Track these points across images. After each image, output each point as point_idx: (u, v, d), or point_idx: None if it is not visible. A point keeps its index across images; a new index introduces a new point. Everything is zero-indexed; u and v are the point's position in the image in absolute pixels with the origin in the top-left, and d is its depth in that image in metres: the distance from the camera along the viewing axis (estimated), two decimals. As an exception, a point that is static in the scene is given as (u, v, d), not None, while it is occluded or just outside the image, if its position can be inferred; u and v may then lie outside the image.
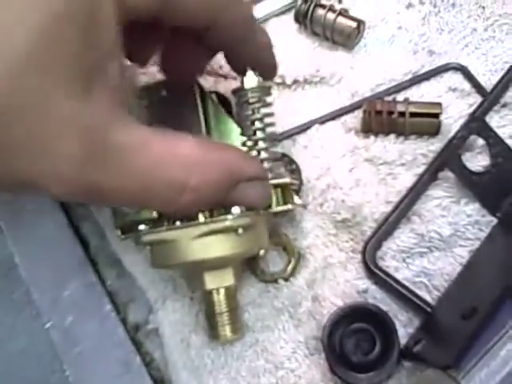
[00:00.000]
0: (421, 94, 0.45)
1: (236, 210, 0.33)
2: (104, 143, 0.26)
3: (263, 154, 0.37)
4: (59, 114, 0.24)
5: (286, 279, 0.40)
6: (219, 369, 0.39)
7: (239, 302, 0.39)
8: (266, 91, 0.38)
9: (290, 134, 0.45)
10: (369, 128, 0.43)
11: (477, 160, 0.41)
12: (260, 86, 0.37)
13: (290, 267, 0.40)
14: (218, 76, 0.48)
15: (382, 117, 0.43)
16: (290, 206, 0.37)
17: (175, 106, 0.39)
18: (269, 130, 0.38)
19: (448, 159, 0.40)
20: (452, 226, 0.40)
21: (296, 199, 0.39)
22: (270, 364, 0.38)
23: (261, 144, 0.37)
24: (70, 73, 0.24)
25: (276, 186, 0.37)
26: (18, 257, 0.43)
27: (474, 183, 0.40)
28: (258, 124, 0.37)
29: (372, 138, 0.43)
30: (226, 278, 0.36)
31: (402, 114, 0.42)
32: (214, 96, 0.40)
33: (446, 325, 0.36)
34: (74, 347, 0.40)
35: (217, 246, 0.34)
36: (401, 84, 0.45)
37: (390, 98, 0.44)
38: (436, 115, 0.42)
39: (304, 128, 0.45)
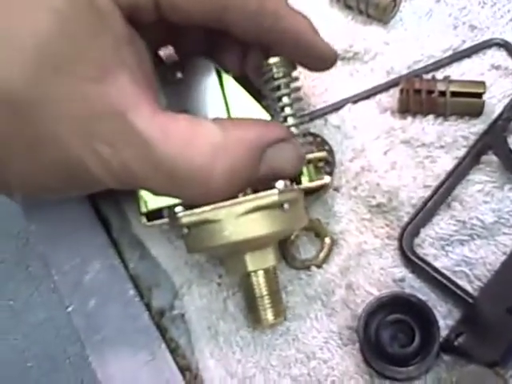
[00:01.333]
0: (462, 71, 0.43)
1: (280, 184, 0.31)
2: (129, 127, 0.26)
3: (293, 130, 0.35)
4: (85, 96, 0.25)
5: (319, 266, 0.39)
6: (248, 357, 0.37)
7: (279, 285, 0.37)
8: (292, 65, 0.36)
9: (322, 114, 0.43)
10: (406, 108, 0.41)
11: (523, 143, 0.39)
12: (284, 60, 0.35)
13: (322, 254, 0.39)
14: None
15: (421, 96, 0.40)
16: (320, 182, 0.35)
17: (192, 88, 0.37)
18: (297, 105, 0.36)
19: (492, 142, 0.38)
20: (495, 213, 0.38)
21: (327, 177, 0.37)
22: (302, 354, 0.37)
23: (290, 120, 0.35)
24: (87, 56, 0.25)
25: (308, 161, 0.35)
26: (38, 237, 0.41)
27: (520, 168, 0.38)
28: (285, 100, 0.35)
29: (409, 118, 0.42)
30: (268, 258, 0.35)
31: (442, 93, 0.40)
32: (231, 74, 0.38)
33: (489, 318, 0.34)
34: (97, 333, 0.38)
35: (263, 223, 0.32)
36: (440, 61, 0.43)
37: (428, 76, 0.41)
38: (479, 95, 0.40)
39: (336, 107, 0.43)
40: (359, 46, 0.44)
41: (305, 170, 0.35)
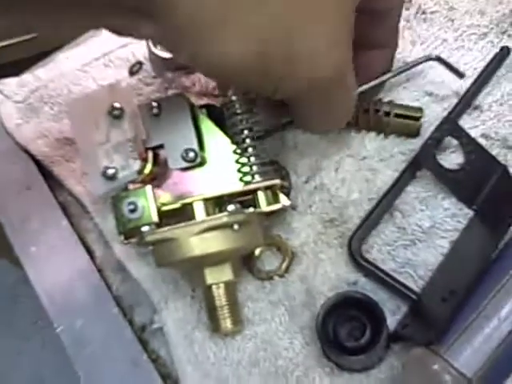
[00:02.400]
0: (401, 97, 0.48)
1: (231, 207, 0.36)
2: None
3: (253, 159, 0.40)
4: None
5: (281, 276, 0.43)
6: (221, 361, 0.41)
7: (238, 297, 0.42)
8: (252, 101, 0.41)
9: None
10: (355, 123, 0.47)
11: (451, 158, 0.45)
12: (244, 98, 0.40)
13: (284, 265, 0.44)
14: (213, 96, 0.51)
15: (369, 115, 0.46)
16: (279, 205, 0.40)
17: (168, 123, 0.42)
18: (257, 138, 0.41)
19: (424, 159, 0.44)
20: (431, 219, 0.44)
21: (285, 199, 0.42)
22: (270, 354, 0.41)
23: (250, 150, 0.40)
24: None
25: (266, 187, 0.40)
26: (27, 269, 0.45)
27: (450, 179, 0.44)
28: (246, 132, 0.40)
29: (352, 133, 0.47)
30: (225, 273, 0.39)
31: (387, 113, 0.46)
32: (203, 111, 0.44)
33: (429, 308, 0.39)
34: (85, 349, 0.42)
35: (215, 242, 0.37)
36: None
37: (376, 98, 0.47)
38: (417, 118, 0.46)
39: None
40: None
41: (263, 195, 0.40)
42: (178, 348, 0.42)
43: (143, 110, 0.42)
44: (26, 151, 0.52)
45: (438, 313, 0.38)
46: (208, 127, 0.42)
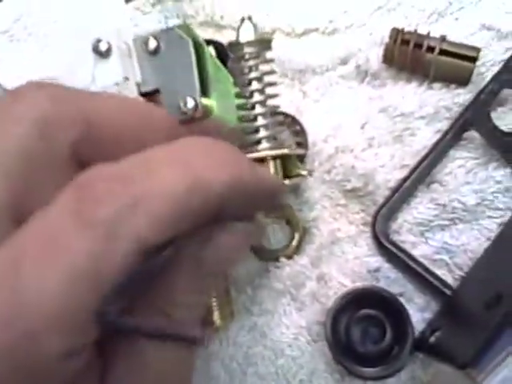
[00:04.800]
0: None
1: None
2: None
3: (261, 121, 0.33)
4: None
5: (289, 257, 0.37)
6: (212, 355, 0.36)
7: (232, 284, 0.35)
8: (266, 45, 0.34)
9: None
10: (391, 58, 0.38)
11: (509, 117, 0.35)
12: (258, 40, 0.33)
13: (293, 243, 0.37)
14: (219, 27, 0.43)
15: (408, 48, 0.37)
16: (294, 180, 0.33)
17: (167, 63, 0.35)
18: (269, 90, 0.34)
19: (475, 116, 0.35)
20: (478, 195, 0.36)
21: (301, 170, 0.34)
22: (269, 351, 0.36)
23: (258, 109, 0.33)
24: None
25: (275, 157, 0.33)
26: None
27: (506, 145, 0.35)
28: (255, 84, 0.33)
29: (388, 86, 0.38)
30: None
31: (431, 49, 0.37)
32: (211, 49, 0.36)
33: (466, 313, 0.32)
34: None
35: None
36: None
37: (424, 32, 0.38)
38: (471, 59, 0.37)
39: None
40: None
41: (272, 165, 0.33)
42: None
43: (138, 45, 0.35)
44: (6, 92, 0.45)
45: (477, 322, 0.30)
46: (216, 69, 0.34)
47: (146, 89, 0.35)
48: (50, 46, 0.45)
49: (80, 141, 0.21)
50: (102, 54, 0.35)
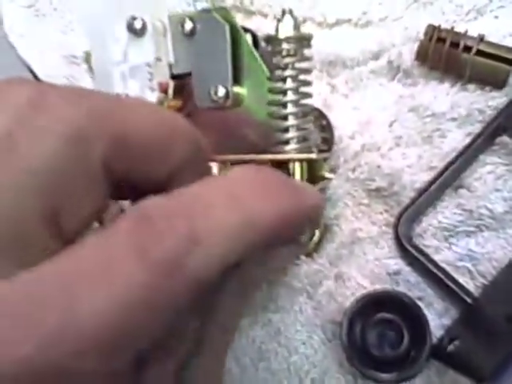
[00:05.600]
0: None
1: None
2: None
3: (291, 120, 0.32)
4: None
5: (308, 255, 0.36)
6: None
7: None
8: (305, 42, 0.32)
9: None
10: (424, 56, 0.37)
11: (546, 124, 0.34)
12: (298, 36, 0.31)
13: (313, 241, 0.36)
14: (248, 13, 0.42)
15: (444, 46, 0.36)
16: (319, 185, 0.32)
17: (201, 46, 0.34)
18: (303, 89, 0.32)
19: (508, 122, 0.34)
20: (507, 202, 0.35)
21: (327, 172, 0.33)
22: (283, 348, 0.35)
23: (290, 108, 0.32)
24: None
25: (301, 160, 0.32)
26: None
27: (540, 152, 0.33)
28: (289, 83, 0.32)
29: (420, 86, 0.37)
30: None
31: (467, 48, 0.36)
32: (249, 37, 0.35)
33: (487, 324, 0.31)
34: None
35: None
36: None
37: (461, 30, 0.37)
38: (508, 61, 0.35)
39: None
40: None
41: (298, 168, 0.32)
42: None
43: (174, 25, 0.34)
44: (30, 69, 0.44)
45: (498, 335, 0.30)
46: (251, 59, 0.33)
47: (178, 71, 0.34)
48: (75, 22, 0.45)
49: (111, 155, 0.21)
50: (136, 33, 0.34)
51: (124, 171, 0.22)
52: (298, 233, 0.26)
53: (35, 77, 0.44)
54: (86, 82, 0.43)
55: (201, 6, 0.43)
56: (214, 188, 0.21)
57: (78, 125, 0.20)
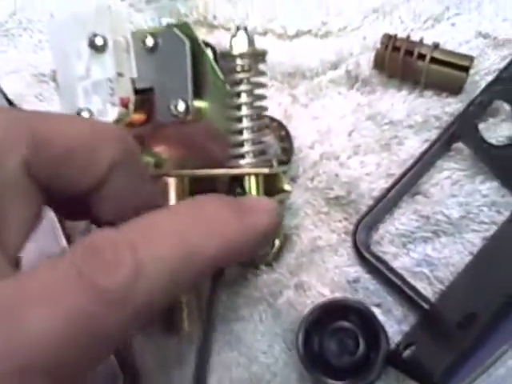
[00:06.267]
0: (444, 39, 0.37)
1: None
2: None
3: (246, 135, 0.32)
4: None
5: (268, 264, 0.36)
6: (184, 358, 0.36)
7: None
8: (259, 58, 0.33)
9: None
10: (381, 64, 0.38)
11: (499, 130, 0.35)
12: (252, 52, 0.32)
13: (273, 250, 0.36)
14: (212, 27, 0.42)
15: (399, 55, 0.36)
16: (276, 198, 0.33)
17: (162, 61, 0.34)
18: (258, 103, 0.33)
19: (463, 128, 0.34)
20: (463, 207, 0.35)
21: (285, 185, 0.34)
22: (244, 357, 0.35)
23: (245, 122, 0.32)
24: None
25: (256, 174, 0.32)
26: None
27: (494, 158, 0.34)
28: (244, 97, 0.32)
29: (378, 93, 0.38)
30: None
31: (422, 56, 0.36)
32: (210, 52, 0.35)
33: (441, 329, 0.31)
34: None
35: None
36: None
37: (417, 39, 0.37)
38: (463, 68, 0.36)
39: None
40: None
41: (254, 181, 0.32)
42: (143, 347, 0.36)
43: (136, 41, 0.35)
44: (-1, 88, 0.45)
45: (451, 341, 0.30)
46: (212, 73, 0.33)
47: (141, 86, 0.35)
48: (44, 42, 0.45)
49: (31, 159, 0.22)
50: (98, 49, 0.35)
51: (51, 176, 0.23)
52: (251, 253, 0.27)
53: (4, 96, 0.45)
54: (55, 100, 0.43)
55: (165, 21, 0.44)
56: (161, 223, 0.22)
57: None
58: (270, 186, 0.34)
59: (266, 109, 0.33)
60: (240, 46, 0.32)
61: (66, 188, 0.24)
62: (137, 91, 0.36)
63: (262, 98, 0.33)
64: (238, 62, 0.32)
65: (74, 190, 0.24)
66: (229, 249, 0.23)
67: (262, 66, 0.33)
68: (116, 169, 0.24)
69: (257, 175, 0.32)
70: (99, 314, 0.19)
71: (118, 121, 0.35)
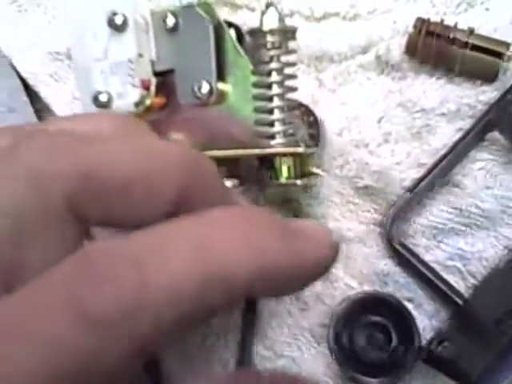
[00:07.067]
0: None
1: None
2: None
3: (277, 114, 0.31)
4: None
5: (295, 255, 0.35)
6: (210, 351, 0.35)
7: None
8: (290, 35, 0.32)
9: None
10: (414, 49, 0.36)
11: (538, 119, 0.33)
12: (282, 29, 0.31)
13: (299, 241, 0.35)
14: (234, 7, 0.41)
15: (433, 40, 0.35)
16: (298, 182, 0.31)
17: (184, 43, 0.33)
18: (288, 83, 0.32)
19: (499, 116, 0.33)
20: (498, 200, 0.34)
21: (315, 168, 0.33)
22: (269, 351, 0.34)
23: (276, 101, 0.31)
24: None
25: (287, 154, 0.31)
26: None
27: (532, 148, 0.33)
28: (274, 76, 0.31)
29: (409, 79, 0.36)
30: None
31: (457, 42, 0.35)
32: (232, 32, 0.34)
33: (477, 326, 0.30)
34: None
35: None
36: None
37: (451, 24, 0.36)
38: (499, 55, 0.34)
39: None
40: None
41: (285, 163, 0.31)
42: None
43: (156, 21, 0.33)
44: (12, 66, 0.43)
45: (488, 338, 0.29)
46: (235, 54, 0.32)
47: (161, 68, 0.34)
48: (58, 18, 0.44)
49: (77, 193, 0.19)
50: (117, 28, 0.33)
51: (102, 211, 0.19)
52: (293, 287, 0.21)
53: (17, 73, 0.43)
54: (70, 79, 0.42)
55: (185, 0, 0.42)
56: (180, 232, 0.17)
57: (33, 164, 0.19)
58: (299, 170, 0.33)
59: (296, 89, 0.32)
60: (270, 22, 0.31)
61: (123, 221, 0.20)
62: (157, 73, 0.35)
63: (292, 77, 0.32)
64: (269, 38, 0.31)
65: (135, 222, 0.20)
66: (267, 272, 0.18)
67: (292, 44, 0.32)
68: (188, 199, 0.20)
69: (291, 155, 0.31)
70: (90, 350, 0.15)
71: (138, 104, 0.34)
